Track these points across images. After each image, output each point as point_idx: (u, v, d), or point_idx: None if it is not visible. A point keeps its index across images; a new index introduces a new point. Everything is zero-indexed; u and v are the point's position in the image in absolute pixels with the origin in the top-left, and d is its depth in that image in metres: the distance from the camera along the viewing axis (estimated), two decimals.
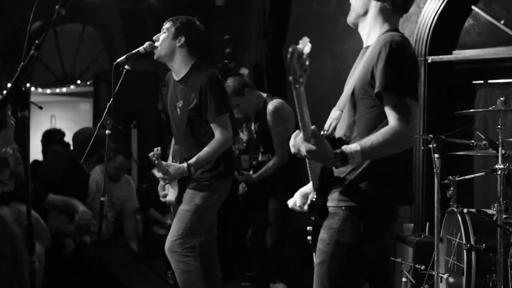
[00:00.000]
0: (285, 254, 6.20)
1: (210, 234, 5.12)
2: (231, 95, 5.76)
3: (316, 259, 3.08)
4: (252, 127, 6.24)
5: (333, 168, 3.00)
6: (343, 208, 3.00)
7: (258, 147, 6.10)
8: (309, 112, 2.69)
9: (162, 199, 5.02)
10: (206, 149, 4.76)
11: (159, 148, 4.70)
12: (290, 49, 2.48)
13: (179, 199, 4.89)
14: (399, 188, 3.09)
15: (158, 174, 4.77)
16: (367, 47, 3.13)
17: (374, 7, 3.14)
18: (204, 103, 4.74)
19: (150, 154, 4.66)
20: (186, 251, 4.78)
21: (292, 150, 2.81)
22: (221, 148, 4.78)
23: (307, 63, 2.49)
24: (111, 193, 6.40)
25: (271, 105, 5.90)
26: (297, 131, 2.80)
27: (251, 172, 6.13)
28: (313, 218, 3.09)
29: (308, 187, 3.25)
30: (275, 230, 6.09)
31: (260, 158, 6.09)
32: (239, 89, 5.96)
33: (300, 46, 2.48)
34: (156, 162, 4.68)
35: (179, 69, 4.88)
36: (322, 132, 2.96)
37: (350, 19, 3.23)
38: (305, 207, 3.20)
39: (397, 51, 2.93)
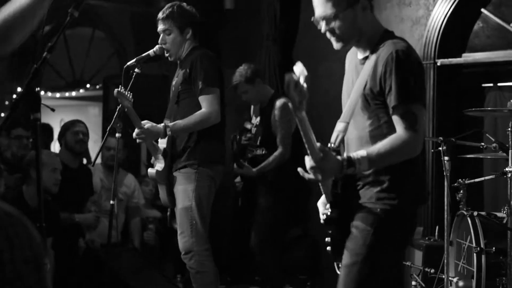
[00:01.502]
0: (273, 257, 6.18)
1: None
2: (241, 80, 5.93)
3: (345, 259, 3.08)
4: (253, 121, 6.25)
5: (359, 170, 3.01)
6: (379, 210, 3.03)
7: (256, 140, 6.08)
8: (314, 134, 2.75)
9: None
10: (188, 117, 4.73)
11: (129, 93, 4.69)
12: (286, 79, 2.52)
13: (163, 177, 4.86)
14: (419, 188, 3.17)
15: (135, 131, 4.76)
16: (366, 57, 3.12)
17: (364, 21, 3.10)
18: (193, 74, 4.75)
19: (115, 91, 4.64)
20: (203, 249, 4.77)
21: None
22: (204, 121, 4.72)
23: (304, 89, 2.52)
24: (117, 191, 6.41)
25: (279, 102, 5.97)
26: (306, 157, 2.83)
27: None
28: (330, 231, 3.11)
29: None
30: (262, 230, 6.07)
31: (256, 152, 6.08)
32: (250, 77, 6.06)
33: (295, 74, 2.52)
34: (126, 109, 4.65)
35: (183, 53, 4.93)
36: (329, 145, 2.99)
37: (343, 46, 3.16)
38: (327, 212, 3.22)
39: (403, 61, 2.95)
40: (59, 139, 6.36)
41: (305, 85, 2.52)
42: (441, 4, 6.52)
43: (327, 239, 3.14)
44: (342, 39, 3.10)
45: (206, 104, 4.72)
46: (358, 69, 3.15)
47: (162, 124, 4.74)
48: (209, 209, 4.89)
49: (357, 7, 3.06)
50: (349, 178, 3.04)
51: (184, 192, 4.80)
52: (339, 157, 2.85)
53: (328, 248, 3.16)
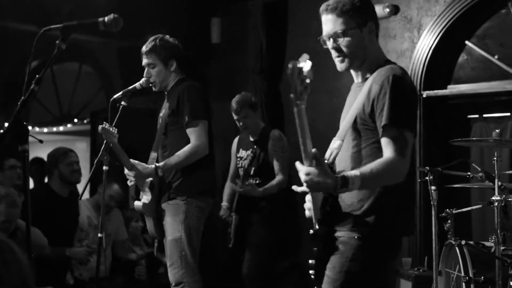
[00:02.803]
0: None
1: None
2: (245, 105, 5.99)
3: (324, 286, 3.08)
4: (242, 154, 6.24)
5: (339, 198, 3.03)
6: (355, 237, 3.02)
7: (250, 171, 6.07)
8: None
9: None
10: (177, 153, 4.72)
11: (114, 128, 4.63)
12: (289, 65, 2.49)
13: (150, 209, 4.83)
14: (405, 219, 3.14)
15: (125, 170, 4.74)
16: (364, 80, 3.15)
17: (370, 44, 3.17)
18: (181, 107, 4.75)
19: (99, 128, 4.57)
20: (193, 280, 4.73)
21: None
22: (193, 155, 4.71)
23: (307, 80, 2.50)
24: (105, 224, 6.38)
25: (276, 132, 6.11)
26: (297, 162, 2.83)
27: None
28: (315, 249, 3.09)
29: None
30: (254, 262, 6.07)
31: (251, 181, 6.07)
32: (254, 104, 6.11)
33: (300, 62, 2.50)
34: (111, 145, 4.60)
35: (169, 85, 4.94)
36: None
37: (348, 66, 3.18)
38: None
39: (399, 85, 2.98)
40: (50, 168, 6.32)
41: (308, 77, 2.49)
42: (425, 37, 6.59)
43: (311, 261, 3.12)
44: (348, 57, 3.14)
45: (193, 137, 4.72)
46: (356, 92, 3.17)
47: (153, 166, 4.72)
48: (198, 240, 4.86)
49: (364, 29, 3.13)
50: (336, 199, 3.05)
51: (173, 223, 4.77)
52: (334, 175, 2.84)
53: (311, 271, 3.13)
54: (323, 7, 3.18)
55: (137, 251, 6.85)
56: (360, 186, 2.86)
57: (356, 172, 2.85)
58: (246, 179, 6.02)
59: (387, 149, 2.94)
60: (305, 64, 2.49)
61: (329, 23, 3.16)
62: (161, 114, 4.95)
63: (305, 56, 2.52)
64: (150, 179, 4.79)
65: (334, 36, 3.14)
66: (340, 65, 3.18)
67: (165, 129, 4.86)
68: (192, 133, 4.73)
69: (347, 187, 2.83)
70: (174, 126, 4.83)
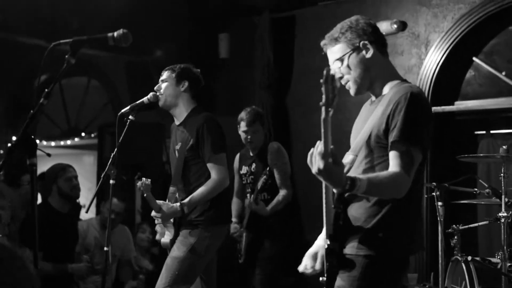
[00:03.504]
0: None
1: (209, 284, 5.04)
2: (257, 119, 6.03)
3: None
4: (246, 170, 6.25)
5: (350, 214, 3.02)
6: (363, 256, 3.02)
7: (255, 186, 6.08)
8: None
9: (157, 237, 4.98)
10: (200, 189, 4.74)
11: (148, 180, 4.67)
12: (324, 71, 2.50)
13: (174, 242, 4.84)
14: (413, 237, 3.13)
15: (152, 213, 4.75)
16: (382, 96, 3.16)
17: (374, 63, 3.17)
18: (201, 142, 4.76)
19: (138, 184, 4.62)
20: None
21: (308, 161, 2.76)
22: (216, 189, 4.75)
23: (337, 89, 2.53)
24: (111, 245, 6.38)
25: (275, 144, 6.15)
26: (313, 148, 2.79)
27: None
28: (328, 263, 3.07)
29: (315, 247, 3.26)
30: (266, 278, 6.07)
31: (260, 196, 6.07)
32: (263, 120, 6.17)
33: (332, 71, 2.51)
34: (145, 195, 4.65)
35: (180, 113, 4.95)
36: None
37: (358, 91, 3.21)
38: (317, 267, 3.21)
39: (416, 103, 2.97)
40: (48, 185, 6.29)
41: (338, 85, 2.50)
42: (433, 53, 6.60)
43: (321, 279, 3.11)
44: (352, 81, 3.17)
45: (215, 171, 4.76)
46: (371, 109, 3.18)
47: (178, 204, 4.72)
48: (201, 267, 4.86)
49: (359, 50, 3.15)
50: (346, 215, 3.04)
51: (181, 243, 4.77)
52: (346, 176, 2.80)
53: None
54: (321, 43, 3.27)
55: (145, 265, 6.85)
56: (366, 190, 2.83)
57: (364, 176, 2.85)
58: (255, 194, 6.03)
59: (393, 163, 2.93)
60: (336, 75, 2.51)
61: (329, 55, 3.24)
62: (177, 147, 4.93)
63: (338, 63, 2.54)
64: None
65: (336, 65, 3.19)
66: (350, 91, 3.22)
67: (184, 163, 4.87)
68: (213, 168, 4.77)
69: (354, 188, 2.80)
70: (194, 161, 4.84)
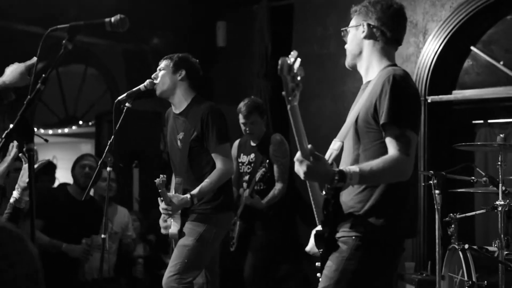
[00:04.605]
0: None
1: (212, 272, 5.08)
2: (255, 110, 6.01)
3: (320, 284, 3.10)
4: (243, 159, 6.26)
5: (340, 199, 3.05)
6: (353, 237, 3.04)
7: (254, 176, 6.09)
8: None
9: (163, 231, 4.99)
10: (208, 179, 4.76)
11: (164, 176, 4.70)
12: (279, 61, 2.50)
13: (182, 232, 4.87)
14: (406, 221, 3.14)
15: (161, 205, 4.77)
16: (368, 82, 3.20)
17: (367, 45, 3.27)
18: (205, 132, 4.78)
19: (156, 181, 4.65)
20: (183, 286, 4.73)
21: (296, 170, 2.84)
22: (223, 178, 4.79)
23: (299, 77, 2.52)
24: (111, 223, 6.36)
25: (278, 136, 6.11)
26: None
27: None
28: (320, 249, 3.10)
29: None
30: (256, 264, 6.14)
31: (255, 187, 6.09)
32: (263, 111, 6.14)
33: (290, 58, 2.51)
34: (160, 190, 4.68)
35: (179, 102, 4.94)
36: None
37: (348, 62, 3.36)
38: (307, 248, 3.24)
39: (400, 85, 3.01)
40: (71, 172, 6.31)
41: (299, 74, 2.50)
42: (431, 42, 6.60)
43: (317, 264, 3.13)
44: (347, 54, 3.35)
45: (221, 161, 4.78)
46: (360, 94, 3.25)
47: (188, 196, 4.73)
48: (209, 255, 4.90)
49: (359, 28, 3.28)
50: (337, 201, 3.06)
51: (190, 231, 4.81)
52: (333, 168, 2.86)
53: (318, 274, 3.15)
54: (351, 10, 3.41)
55: (139, 251, 6.86)
56: (359, 181, 2.89)
57: (355, 168, 2.87)
58: (251, 187, 6.03)
59: (391, 148, 2.97)
60: (296, 61, 2.50)
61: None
62: (180, 137, 4.92)
63: (295, 53, 2.53)
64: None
65: (344, 32, 3.38)
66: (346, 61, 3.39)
67: (189, 153, 4.87)
68: (219, 158, 4.79)
69: (345, 182, 2.84)
70: (199, 151, 4.85)
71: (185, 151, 4.87)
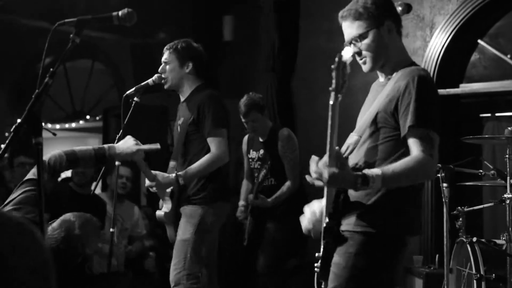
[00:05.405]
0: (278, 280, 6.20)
1: (210, 266, 5.01)
2: (253, 108, 5.94)
3: (329, 283, 3.08)
4: (252, 155, 6.24)
5: (349, 192, 3.04)
6: (359, 232, 3.03)
7: (264, 178, 6.08)
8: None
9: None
10: (198, 162, 4.73)
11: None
12: (336, 58, 2.49)
13: (171, 218, 4.83)
14: (410, 218, 3.12)
15: (146, 182, 4.73)
16: (388, 78, 3.16)
17: (390, 44, 3.15)
18: (202, 116, 4.75)
19: (134, 157, 4.54)
20: (191, 283, 4.73)
21: (314, 175, 2.84)
22: (214, 163, 4.72)
23: (347, 75, 2.53)
24: (122, 219, 6.37)
25: (285, 131, 6.05)
26: (313, 156, 2.83)
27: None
28: (325, 241, 3.07)
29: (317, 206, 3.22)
30: (270, 258, 6.11)
31: (264, 183, 6.07)
32: (262, 106, 6.06)
33: (344, 56, 2.50)
34: (139, 165, 4.57)
35: (186, 91, 4.95)
36: None
37: (371, 67, 3.18)
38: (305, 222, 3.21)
39: (425, 86, 2.98)
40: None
41: (349, 71, 2.50)
42: (438, 36, 6.58)
43: (317, 254, 3.11)
44: (369, 59, 3.14)
45: (214, 146, 4.73)
46: (378, 91, 3.18)
47: (173, 175, 4.70)
48: (210, 247, 4.87)
49: (382, 28, 3.13)
50: (346, 194, 3.05)
51: (186, 225, 4.77)
52: (355, 173, 2.84)
53: (316, 264, 3.11)
54: (339, 14, 3.22)
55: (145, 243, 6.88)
56: (381, 184, 2.86)
57: (377, 171, 2.85)
58: (255, 189, 6.01)
59: (414, 148, 2.93)
60: (348, 59, 2.51)
61: (347, 29, 3.19)
62: (179, 122, 4.93)
63: (349, 49, 2.53)
64: (171, 188, 4.80)
65: (353, 41, 3.15)
66: (364, 67, 3.19)
67: (185, 138, 4.87)
68: (213, 142, 4.74)
69: (368, 186, 2.83)
70: (195, 135, 4.83)
71: (182, 135, 4.86)
